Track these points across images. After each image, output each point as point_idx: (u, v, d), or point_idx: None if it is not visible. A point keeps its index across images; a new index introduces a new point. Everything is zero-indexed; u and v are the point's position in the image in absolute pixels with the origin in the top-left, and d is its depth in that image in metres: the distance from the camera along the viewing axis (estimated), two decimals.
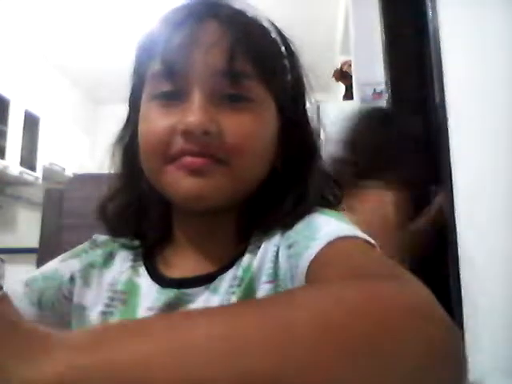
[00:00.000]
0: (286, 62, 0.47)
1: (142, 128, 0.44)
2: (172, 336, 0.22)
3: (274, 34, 0.46)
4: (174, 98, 0.42)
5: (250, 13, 0.45)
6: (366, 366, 0.22)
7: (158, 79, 0.43)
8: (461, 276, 1.47)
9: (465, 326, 1.39)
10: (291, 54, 0.48)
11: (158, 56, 0.42)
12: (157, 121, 0.42)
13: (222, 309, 0.25)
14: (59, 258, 0.50)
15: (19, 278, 0.46)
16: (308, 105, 0.50)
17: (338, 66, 2.73)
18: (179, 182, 0.41)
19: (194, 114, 0.39)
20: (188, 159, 0.40)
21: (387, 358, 0.22)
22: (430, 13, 1.67)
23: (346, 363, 0.22)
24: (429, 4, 1.68)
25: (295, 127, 0.47)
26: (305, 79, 0.49)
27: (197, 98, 0.40)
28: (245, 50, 0.41)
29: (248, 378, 0.20)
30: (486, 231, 1.34)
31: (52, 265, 0.49)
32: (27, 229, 3.23)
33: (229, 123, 0.41)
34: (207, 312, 0.24)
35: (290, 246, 0.41)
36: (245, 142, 0.41)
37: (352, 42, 2.30)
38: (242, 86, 0.41)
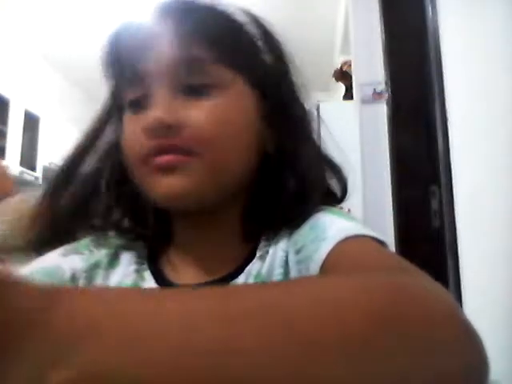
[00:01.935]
0: (261, 43, 0.46)
1: (122, 141, 0.44)
2: (175, 332, 0.21)
3: (245, 20, 0.45)
4: (141, 105, 0.41)
5: (211, 2, 0.44)
6: (380, 365, 0.21)
7: (124, 89, 0.43)
8: (461, 276, 1.47)
9: None
10: (268, 36, 0.46)
11: (117, 69, 0.43)
12: (130, 130, 0.42)
13: (222, 306, 0.24)
14: (60, 250, 0.47)
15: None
16: (296, 85, 0.48)
17: (338, 66, 2.73)
18: (157, 184, 0.40)
19: (154, 111, 0.39)
20: (158, 159, 0.39)
21: (402, 358, 0.22)
22: (429, 13, 1.67)
23: (361, 363, 0.21)
24: (429, 4, 1.68)
25: (282, 109, 0.45)
26: (287, 60, 0.47)
27: (158, 95, 0.40)
28: (197, 35, 0.40)
29: (248, 377, 0.20)
30: (485, 231, 1.34)
31: (52, 258, 0.46)
32: None
33: (192, 113, 0.39)
34: (206, 310, 0.24)
35: (298, 251, 0.40)
36: (210, 129, 0.39)
37: (352, 42, 2.29)
38: (202, 72, 0.40)
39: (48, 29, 3.41)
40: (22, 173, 3.38)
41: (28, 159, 3.48)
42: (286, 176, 0.44)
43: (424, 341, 0.22)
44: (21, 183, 3.46)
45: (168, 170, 0.39)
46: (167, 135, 0.39)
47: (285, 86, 0.46)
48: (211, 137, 0.39)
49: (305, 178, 0.43)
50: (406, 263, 0.33)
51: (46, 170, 3.64)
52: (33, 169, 3.53)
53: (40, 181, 3.56)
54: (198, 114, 0.40)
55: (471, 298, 1.40)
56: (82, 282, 0.44)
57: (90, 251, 0.47)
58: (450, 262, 1.55)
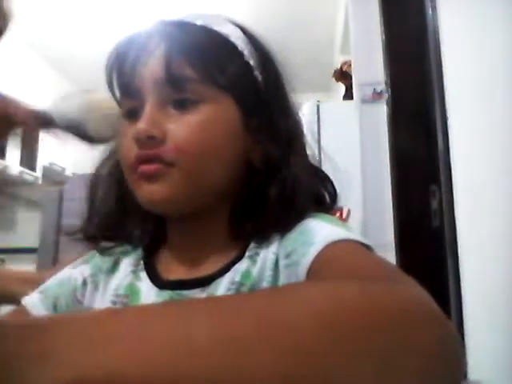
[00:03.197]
0: (253, 62, 0.47)
1: (119, 147, 0.47)
2: (172, 336, 0.22)
3: (237, 39, 0.46)
4: (137, 115, 0.44)
5: (201, 20, 0.46)
6: (365, 363, 0.22)
7: (122, 100, 0.47)
8: (461, 276, 1.47)
9: (465, 325, 1.39)
10: (261, 54, 0.48)
11: (116, 82, 0.47)
12: (124, 137, 0.45)
13: (220, 306, 0.25)
14: (70, 265, 0.51)
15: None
16: (289, 100, 0.50)
17: (338, 66, 2.73)
18: (140, 190, 0.43)
19: (141, 122, 0.42)
20: (142, 167, 0.42)
21: (384, 356, 0.23)
22: (429, 12, 1.67)
23: (347, 362, 0.22)
24: (429, 4, 1.68)
25: (269, 125, 0.46)
26: (281, 76, 0.49)
27: (146, 108, 0.43)
28: (180, 55, 0.43)
29: (247, 377, 0.21)
30: (485, 231, 1.34)
31: (65, 272, 0.51)
32: (27, 229, 3.23)
33: (173, 127, 0.42)
34: (205, 309, 0.24)
35: (287, 256, 0.42)
36: (191, 142, 0.42)
37: (352, 42, 2.30)
38: (185, 89, 0.43)
39: (48, 29, 3.42)
40: (21, 173, 3.38)
41: (28, 159, 3.47)
42: (272, 184, 0.45)
43: (394, 342, 0.24)
44: (21, 183, 3.46)
45: (150, 178, 0.42)
46: (151, 146, 0.42)
47: (275, 103, 0.48)
48: (191, 150, 0.42)
49: (292, 186, 0.45)
50: (388, 266, 0.35)
51: (46, 169, 3.64)
52: (33, 169, 3.53)
53: (40, 181, 3.56)
54: (181, 127, 0.42)
55: (471, 297, 1.40)
56: (90, 286, 0.49)
57: (96, 259, 0.51)
58: (449, 262, 1.55)
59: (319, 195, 0.49)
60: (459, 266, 1.47)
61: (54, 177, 3.67)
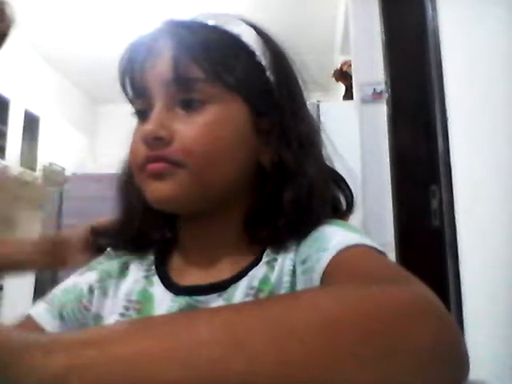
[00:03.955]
0: (266, 62, 0.46)
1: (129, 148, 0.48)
2: (175, 333, 0.22)
3: (247, 36, 0.46)
4: (146, 115, 0.44)
5: (213, 19, 0.46)
6: (369, 362, 0.23)
7: (132, 100, 0.47)
8: (461, 276, 1.47)
9: (465, 325, 1.39)
10: (275, 55, 0.47)
11: (128, 82, 0.46)
12: (134, 138, 0.45)
13: (224, 307, 0.25)
14: (76, 273, 0.51)
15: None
16: (303, 102, 0.49)
17: (338, 66, 2.73)
18: (148, 188, 0.43)
19: (149, 123, 0.42)
20: (149, 165, 0.43)
21: (389, 355, 0.23)
22: (429, 13, 1.67)
23: (349, 361, 0.22)
24: (429, 4, 1.68)
25: (281, 127, 0.46)
26: (295, 74, 0.49)
27: (155, 109, 0.43)
28: (187, 55, 0.43)
29: (251, 376, 0.21)
30: (485, 231, 1.34)
31: (70, 280, 0.50)
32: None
33: (181, 127, 0.42)
34: (209, 310, 0.25)
35: (303, 262, 0.42)
36: (197, 144, 0.42)
37: (352, 42, 2.30)
38: (193, 89, 0.43)
39: (48, 29, 3.42)
40: (22, 173, 3.38)
41: (28, 159, 3.48)
42: (287, 189, 0.44)
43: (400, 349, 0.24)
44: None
45: (157, 176, 0.42)
46: (159, 146, 0.42)
47: (287, 104, 0.47)
48: (198, 150, 0.42)
49: (307, 191, 0.44)
50: (397, 268, 0.35)
51: (46, 169, 3.64)
52: (33, 169, 3.53)
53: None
54: (188, 128, 0.42)
55: (471, 297, 1.40)
56: (97, 292, 0.48)
57: (102, 264, 0.51)
58: (449, 262, 1.55)
59: (336, 200, 0.49)
60: (459, 266, 1.47)
61: (53, 177, 3.67)
